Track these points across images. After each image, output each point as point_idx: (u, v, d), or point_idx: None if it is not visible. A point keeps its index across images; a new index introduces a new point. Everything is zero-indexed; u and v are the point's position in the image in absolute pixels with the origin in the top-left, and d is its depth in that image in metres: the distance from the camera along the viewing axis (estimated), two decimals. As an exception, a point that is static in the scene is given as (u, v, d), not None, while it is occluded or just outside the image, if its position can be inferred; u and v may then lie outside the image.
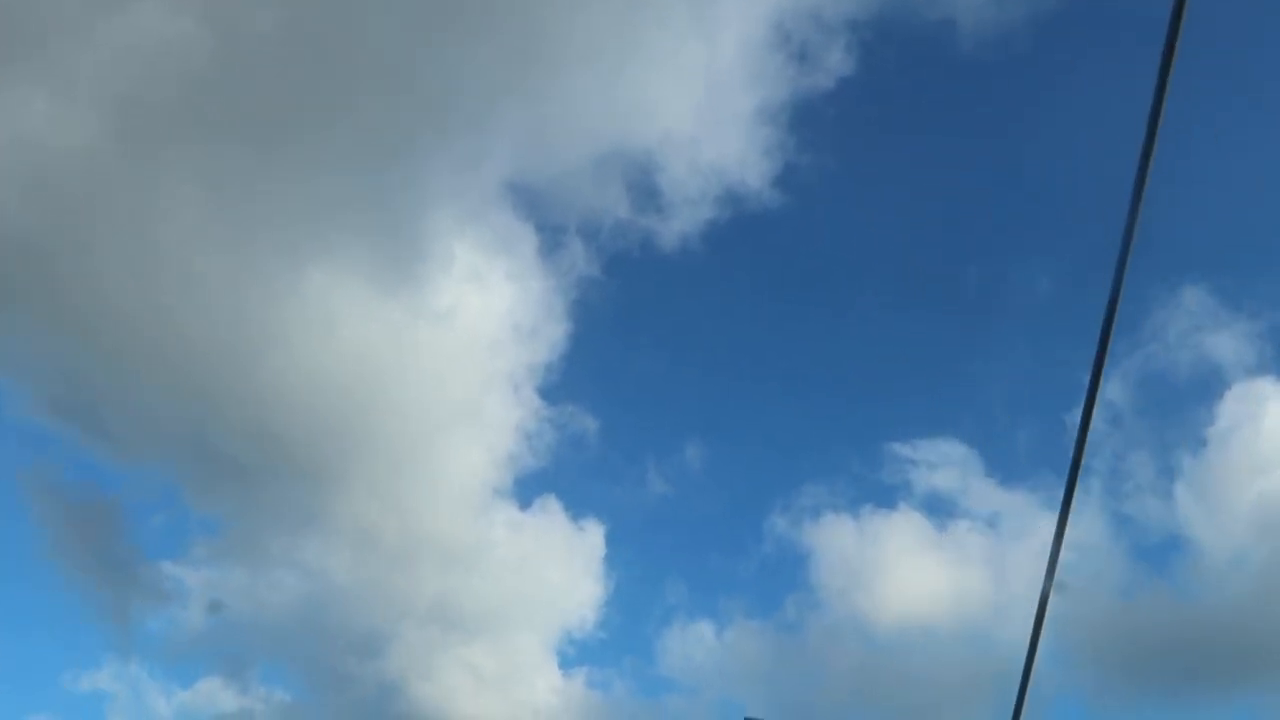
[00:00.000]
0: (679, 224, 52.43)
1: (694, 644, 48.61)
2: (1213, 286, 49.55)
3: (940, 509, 49.19)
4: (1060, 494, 6.98)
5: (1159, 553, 47.67)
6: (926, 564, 48.33)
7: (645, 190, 53.15)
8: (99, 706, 47.05)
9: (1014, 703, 8.53)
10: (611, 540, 48.70)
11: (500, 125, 49.99)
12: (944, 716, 44.82)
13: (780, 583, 52.68)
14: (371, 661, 45.12)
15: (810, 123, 54.34)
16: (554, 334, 50.55)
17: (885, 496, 50.74)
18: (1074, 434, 6.57)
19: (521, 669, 46.32)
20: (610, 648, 50.76)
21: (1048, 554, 7.42)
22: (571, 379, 52.97)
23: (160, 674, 47.39)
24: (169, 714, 46.09)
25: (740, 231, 57.11)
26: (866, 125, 60.38)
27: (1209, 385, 49.60)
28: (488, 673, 45.04)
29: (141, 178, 41.88)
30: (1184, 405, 51.16)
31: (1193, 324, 48.95)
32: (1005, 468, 52.56)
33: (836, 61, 51.36)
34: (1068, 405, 51.10)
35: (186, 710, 45.83)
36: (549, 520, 48.62)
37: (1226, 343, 47.86)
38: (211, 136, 41.47)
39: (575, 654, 49.49)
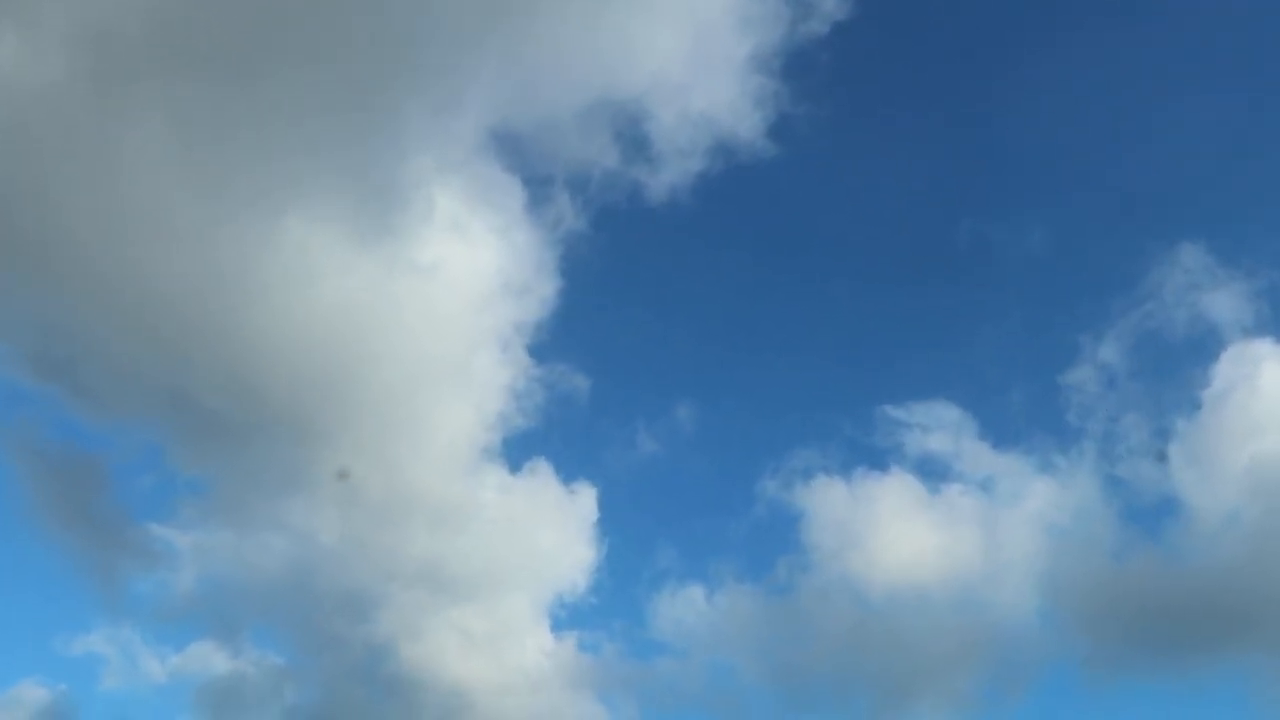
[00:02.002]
0: (669, 176, 51.09)
1: (685, 607, 48.55)
2: (1211, 244, 48.70)
3: (933, 472, 48.80)
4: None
5: (1152, 515, 47.41)
6: (919, 527, 48.07)
7: (634, 140, 51.69)
8: (93, 670, 46.76)
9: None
10: (603, 504, 48.25)
11: (480, 68, 48.26)
12: (935, 677, 44.82)
13: (771, 546, 52.55)
14: (362, 624, 44.94)
15: (804, 71, 52.81)
16: (544, 290, 49.42)
17: (878, 459, 50.39)
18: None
19: (513, 631, 46.15)
20: (602, 611, 50.69)
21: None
22: (561, 337, 52.00)
23: (152, 637, 47.11)
24: (163, 677, 45.89)
25: (731, 184, 55.84)
26: (861, 74, 59.03)
27: (1205, 346, 49.08)
28: (479, 635, 44.82)
29: (113, 120, 40.55)
30: (1179, 366, 50.63)
31: (1189, 282, 48.15)
32: (998, 430, 52.12)
33: (832, 6, 49.63)
34: (1061, 367, 50.48)
35: (180, 673, 45.64)
36: (539, 483, 48.03)
37: (1224, 301, 47.20)
38: (182, 77, 40.04)
39: (567, 617, 49.32)
